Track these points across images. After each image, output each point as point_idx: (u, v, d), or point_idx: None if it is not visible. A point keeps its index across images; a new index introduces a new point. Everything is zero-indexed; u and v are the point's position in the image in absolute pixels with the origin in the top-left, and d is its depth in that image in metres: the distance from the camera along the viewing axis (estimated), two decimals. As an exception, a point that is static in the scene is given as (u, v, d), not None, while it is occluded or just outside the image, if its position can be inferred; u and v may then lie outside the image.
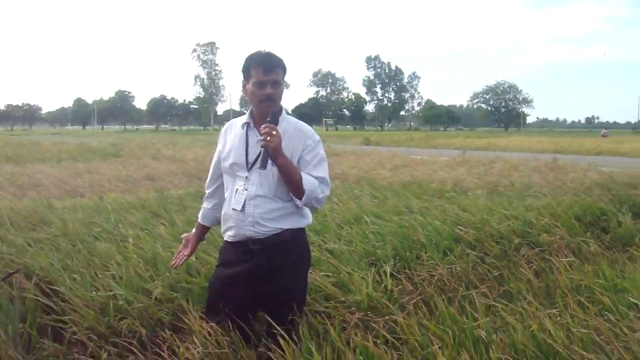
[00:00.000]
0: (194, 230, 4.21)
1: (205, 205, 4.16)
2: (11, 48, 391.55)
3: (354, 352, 3.56)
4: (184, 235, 4.23)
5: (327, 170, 3.80)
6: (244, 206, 3.74)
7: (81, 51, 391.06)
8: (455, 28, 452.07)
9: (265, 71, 3.63)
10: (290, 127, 3.76)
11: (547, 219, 7.73)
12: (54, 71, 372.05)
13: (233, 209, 3.79)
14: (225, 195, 3.94)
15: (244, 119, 3.85)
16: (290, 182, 3.65)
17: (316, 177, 3.68)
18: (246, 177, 3.77)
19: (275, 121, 3.62)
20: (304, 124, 3.87)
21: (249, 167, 3.75)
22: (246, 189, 3.75)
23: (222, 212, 3.93)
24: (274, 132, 3.50)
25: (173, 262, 4.19)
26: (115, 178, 15.18)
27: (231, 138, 3.89)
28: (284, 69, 3.72)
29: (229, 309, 3.81)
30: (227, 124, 4.06)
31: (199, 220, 4.19)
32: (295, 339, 3.68)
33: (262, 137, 3.52)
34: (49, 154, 26.83)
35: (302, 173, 3.65)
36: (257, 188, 3.71)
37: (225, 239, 3.96)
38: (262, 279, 3.76)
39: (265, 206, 3.72)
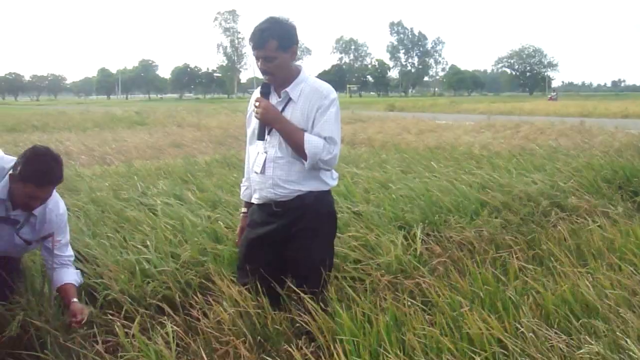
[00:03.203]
0: (242, 212, 4.25)
1: (244, 183, 4.18)
2: (35, 19, 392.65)
3: (383, 314, 3.56)
4: (239, 228, 4.25)
5: (336, 129, 3.74)
6: (263, 168, 3.79)
7: (105, 21, 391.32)
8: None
9: (254, 48, 3.68)
10: (307, 88, 3.75)
11: (576, 182, 7.67)
12: (78, 41, 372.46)
13: (255, 171, 3.86)
14: (250, 158, 4.01)
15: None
16: (293, 146, 3.69)
17: (324, 138, 3.66)
18: (267, 140, 3.81)
19: (265, 93, 3.78)
20: (323, 83, 3.83)
21: (269, 130, 3.78)
22: (266, 152, 3.80)
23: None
24: (257, 104, 3.72)
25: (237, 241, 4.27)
26: (142, 145, 15.28)
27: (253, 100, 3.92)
28: (280, 38, 3.63)
29: (254, 270, 3.85)
30: (254, 92, 4.05)
31: (244, 199, 4.21)
32: (323, 303, 3.69)
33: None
34: (75, 122, 27.04)
35: (307, 134, 3.65)
36: (277, 150, 3.75)
37: (253, 200, 4.00)
38: (285, 242, 3.80)
39: (284, 168, 3.74)
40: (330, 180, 3.90)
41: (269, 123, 3.72)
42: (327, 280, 3.86)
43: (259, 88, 3.99)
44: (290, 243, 3.79)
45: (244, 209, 4.19)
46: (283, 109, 3.74)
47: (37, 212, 3.91)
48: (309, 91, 3.73)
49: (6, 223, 3.85)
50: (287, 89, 3.74)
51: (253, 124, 3.90)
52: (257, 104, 3.72)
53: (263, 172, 3.79)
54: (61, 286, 4.02)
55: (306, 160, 3.67)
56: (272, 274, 3.82)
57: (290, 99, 3.74)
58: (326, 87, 3.80)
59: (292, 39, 3.70)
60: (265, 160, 3.79)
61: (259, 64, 3.70)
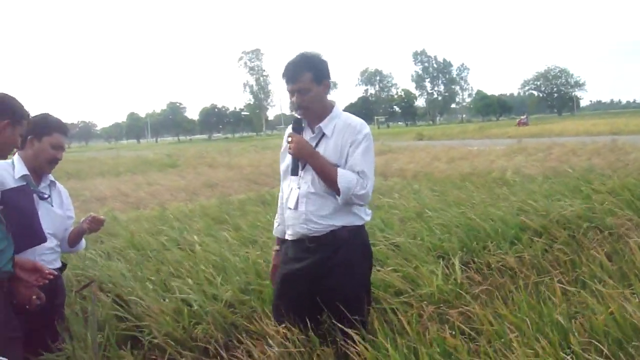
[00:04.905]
0: (274, 249, 4.26)
1: (277, 219, 4.18)
2: (64, 68, 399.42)
3: (430, 345, 3.52)
4: (272, 267, 4.24)
5: (370, 164, 3.76)
6: (297, 204, 3.78)
7: (131, 66, 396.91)
8: (501, 14, 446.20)
9: (288, 81, 3.71)
10: (340, 122, 3.77)
11: (613, 201, 7.57)
12: (107, 87, 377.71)
13: (288, 207, 3.86)
14: (284, 196, 4.00)
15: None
16: (326, 181, 3.68)
17: (357, 172, 3.66)
18: (300, 176, 3.81)
19: (297, 129, 3.79)
20: (356, 118, 3.85)
21: (303, 166, 3.78)
22: (299, 187, 3.80)
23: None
24: (289, 139, 3.71)
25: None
26: (175, 188, 15.40)
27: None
28: (314, 70, 3.68)
29: (290, 306, 3.82)
30: (289, 127, 4.04)
31: (278, 235, 4.20)
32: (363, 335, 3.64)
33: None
34: (107, 168, 27.40)
35: (340, 169, 3.65)
36: (309, 186, 3.75)
37: (286, 237, 3.98)
38: (320, 277, 3.76)
39: (317, 203, 3.74)
40: (364, 215, 3.90)
41: (303, 158, 3.73)
42: (365, 315, 3.83)
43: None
44: (326, 279, 3.75)
45: (276, 247, 4.19)
46: (317, 145, 3.75)
47: (54, 180, 4.26)
48: (342, 126, 3.75)
49: (40, 198, 4.02)
50: (321, 125, 3.76)
51: (287, 159, 3.90)
52: (289, 139, 3.73)
53: (296, 207, 3.79)
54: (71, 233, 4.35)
55: (339, 195, 3.66)
56: (307, 310, 3.79)
57: (323, 135, 3.75)
58: (359, 122, 3.82)
59: (325, 72, 3.74)
60: (298, 196, 3.79)
61: (294, 98, 3.70)
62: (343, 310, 3.65)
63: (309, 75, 3.65)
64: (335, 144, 3.71)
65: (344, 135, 3.72)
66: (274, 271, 4.13)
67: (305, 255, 3.81)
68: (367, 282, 4.04)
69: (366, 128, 3.79)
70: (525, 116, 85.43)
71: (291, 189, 3.86)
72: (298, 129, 3.80)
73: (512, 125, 70.19)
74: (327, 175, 3.65)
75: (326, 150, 3.72)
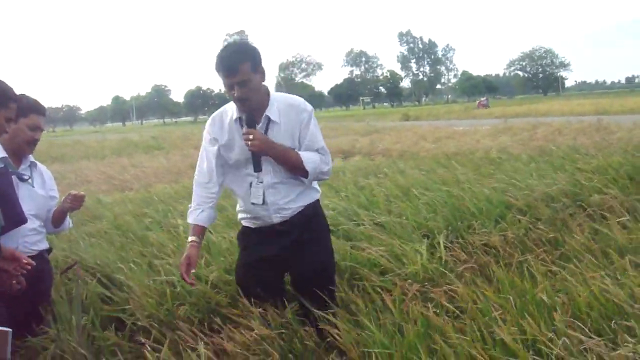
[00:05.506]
0: (191, 240, 3.85)
1: (197, 207, 3.92)
2: (49, 51, 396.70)
3: (414, 324, 3.52)
4: (184, 257, 3.76)
5: (322, 139, 3.84)
6: (264, 198, 3.73)
7: (116, 49, 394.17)
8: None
9: (227, 75, 3.52)
10: (281, 105, 3.72)
11: (598, 179, 7.59)
12: (91, 71, 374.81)
13: (252, 203, 3.77)
14: (236, 189, 3.93)
15: (234, 111, 3.75)
16: (291, 167, 3.69)
17: (316, 150, 3.74)
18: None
19: (251, 124, 3.64)
20: (294, 97, 3.86)
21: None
22: (261, 181, 3.74)
23: (239, 207, 3.96)
24: (251, 136, 3.56)
25: (190, 282, 3.85)
26: (160, 170, 15.34)
27: (226, 130, 3.80)
28: (251, 59, 3.52)
29: (261, 291, 3.82)
30: (216, 114, 3.91)
31: (200, 223, 3.88)
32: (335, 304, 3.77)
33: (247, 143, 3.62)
34: (92, 151, 27.29)
35: (302, 153, 3.68)
36: (272, 176, 3.73)
37: (244, 224, 3.96)
38: (291, 258, 3.80)
39: (283, 191, 3.75)
40: (318, 187, 4.06)
41: (265, 152, 3.64)
42: (333, 285, 4.00)
43: (222, 110, 3.89)
44: (296, 257, 3.80)
45: (193, 237, 3.83)
46: (265, 133, 3.67)
47: (35, 161, 4.21)
48: (285, 108, 3.72)
49: (20, 180, 3.96)
50: (266, 112, 3.67)
51: (237, 154, 3.78)
52: (250, 136, 3.56)
53: (264, 201, 3.73)
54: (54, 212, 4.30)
55: (306, 177, 3.70)
56: (278, 293, 3.86)
57: (270, 121, 3.68)
58: (300, 100, 3.83)
59: (259, 60, 3.61)
60: (263, 189, 3.73)
61: (234, 92, 3.53)
62: (316, 284, 3.74)
63: (247, 65, 3.49)
64: (286, 128, 3.70)
65: (290, 116, 3.70)
66: (187, 263, 3.73)
67: (276, 238, 3.81)
68: (331, 251, 4.12)
69: (308, 105, 3.82)
70: (485, 98, 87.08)
71: (250, 183, 3.77)
72: (252, 123, 3.64)
73: (499, 105, 70.24)
74: (291, 162, 3.66)
75: (277, 136, 3.67)
